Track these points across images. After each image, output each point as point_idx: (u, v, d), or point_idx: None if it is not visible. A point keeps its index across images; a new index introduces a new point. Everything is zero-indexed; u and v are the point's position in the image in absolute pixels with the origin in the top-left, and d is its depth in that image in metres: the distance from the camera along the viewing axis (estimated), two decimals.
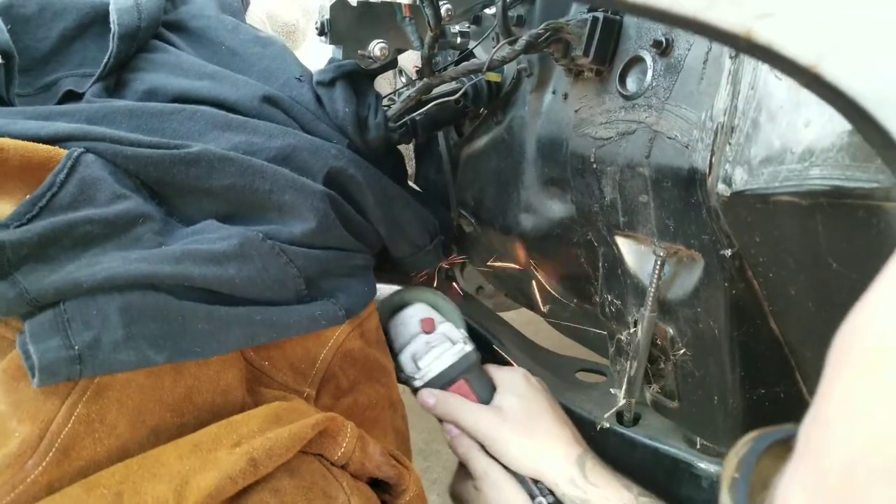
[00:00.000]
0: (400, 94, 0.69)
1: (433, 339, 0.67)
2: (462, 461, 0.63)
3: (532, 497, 0.59)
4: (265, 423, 0.45)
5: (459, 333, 0.68)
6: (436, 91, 0.67)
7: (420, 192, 0.86)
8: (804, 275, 0.42)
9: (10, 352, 0.43)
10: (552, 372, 0.77)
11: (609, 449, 0.66)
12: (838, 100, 0.18)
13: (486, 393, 0.66)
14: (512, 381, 0.65)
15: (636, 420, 0.66)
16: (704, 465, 0.60)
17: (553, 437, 0.60)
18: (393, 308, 0.70)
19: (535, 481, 0.59)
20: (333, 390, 0.57)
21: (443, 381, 0.66)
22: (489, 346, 0.77)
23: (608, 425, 0.66)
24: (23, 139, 0.49)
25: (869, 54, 0.17)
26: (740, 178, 0.42)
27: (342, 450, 0.48)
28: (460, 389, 0.65)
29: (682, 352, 0.56)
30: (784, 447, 0.26)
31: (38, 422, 0.41)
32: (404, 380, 0.68)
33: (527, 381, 0.65)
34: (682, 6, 0.17)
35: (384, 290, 0.78)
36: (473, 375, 0.66)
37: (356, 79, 0.65)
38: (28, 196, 0.47)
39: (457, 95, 0.67)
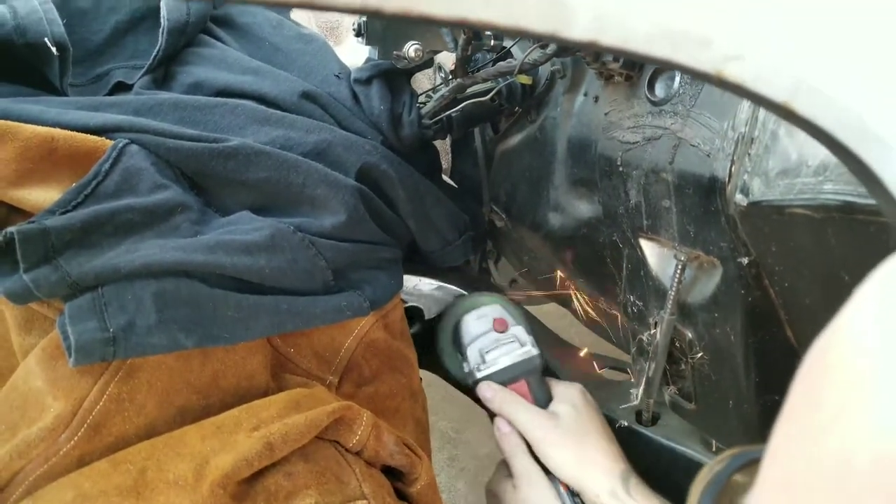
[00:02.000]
0: (435, 93, 0.70)
1: (503, 338, 0.69)
2: (506, 459, 0.64)
3: None
4: (285, 408, 0.47)
5: (528, 338, 0.70)
6: (472, 90, 0.69)
7: (453, 187, 0.88)
8: (818, 286, 0.43)
9: (51, 331, 0.46)
10: (578, 369, 0.79)
11: (628, 447, 0.68)
12: (816, 133, 0.19)
13: (543, 399, 0.68)
14: (569, 393, 0.67)
15: (655, 420, 0.67)
16: None
17: (601, 451, 0.61)
18: (467, 308, 0.73)
19: (572, 493, 0.60)
20: (356, 379, 0.59)
21: (504, 378, 0.68)
22: None
23: (626, 423, 0.67)
24: (72, 129, 0.52)
25: (840, 90, 0.18)
26: (758, 189, 0.43)
27: (357, 437, 0.50)
28: (520, 389, 0.67)
29: (699, 355, 0.57)
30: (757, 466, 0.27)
31: (71, 399, 0.44)
32: (466, 372, 0.70)
33: (583, 396, 0.67)
34: (655, 49, 0.18)
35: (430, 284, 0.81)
36: (534, 379, 0.68)
37: (392, 77, 0.67)
38: (74, 184, 0.49)
39: (490, 95, 0.68)
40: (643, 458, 0.66)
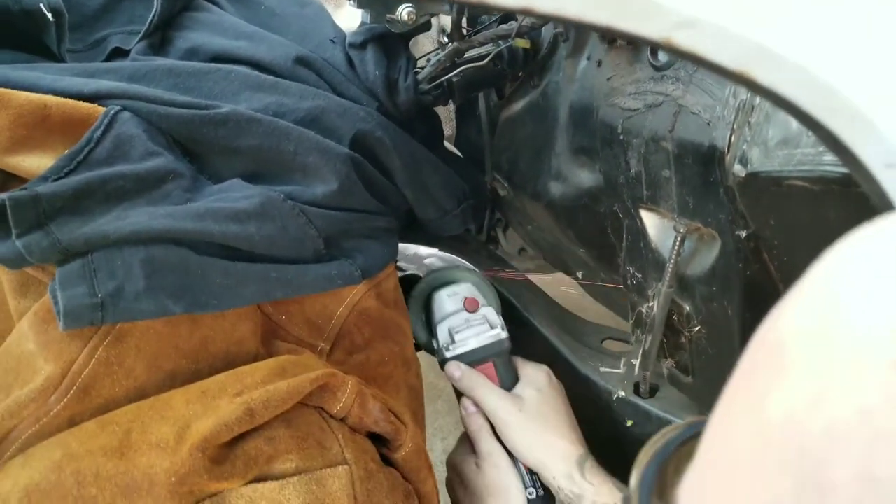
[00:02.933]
0: (431, 58, 0.69)
1: (473, 319, 0.69)
2: (470, 438, 0.65)
3: (525, 487, 0.62)
4: (270, 375, 0.48)
5: (498, 319, 0.70)
6: (470, 54, 0.67)
7: (455, 155, 0.86)
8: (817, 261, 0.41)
9: (45, 295, 0.46)
10: (578, 338, 0.78)
11: (625, 418, 0.67)
12: (779, 102, 0.17)
13: (509, 381, 0.68)
14: (535, 376, 0.68)
15: (653, 392, 0.66)
16: None
17: (561, 436, 0.62)
18: (441, 282, 0.73)
19: (532, 473, 0.62)
20: (348, 346, 0.59)
21: (472, 359, 0.68)
22: (514, 310, 0.78)
23: (623, 395, 0.66)
24: (66, 96, 0.52)
25: (802, 56, 0.16)
26: (756, 159, 0.41)
27: (341, 404, 0.50)
28: (487, 371, 0.68)
29: (696, 329, 0.55)
30: None
31: (61, 362, 0.45)
32: (435, 349, 0.71)
33: (548, 379, 0.68)
34: (592, 15, 0.17)
35: (429, 252, 0.80)
36: (502, 361, 0.68)
37: (387, 41, 0.65)
38: (67, 151, 0.49)
39: (488, 59, 0.66)
40: (641, 429, 0.66)
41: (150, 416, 0.44)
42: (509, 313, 0.77)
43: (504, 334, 0.69)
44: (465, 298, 0.70)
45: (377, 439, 0.54)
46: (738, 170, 0.43)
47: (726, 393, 0.19)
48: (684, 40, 0.17)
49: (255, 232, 0.51)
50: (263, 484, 0.45)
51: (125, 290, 0.45)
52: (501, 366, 0.68)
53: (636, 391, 0.66)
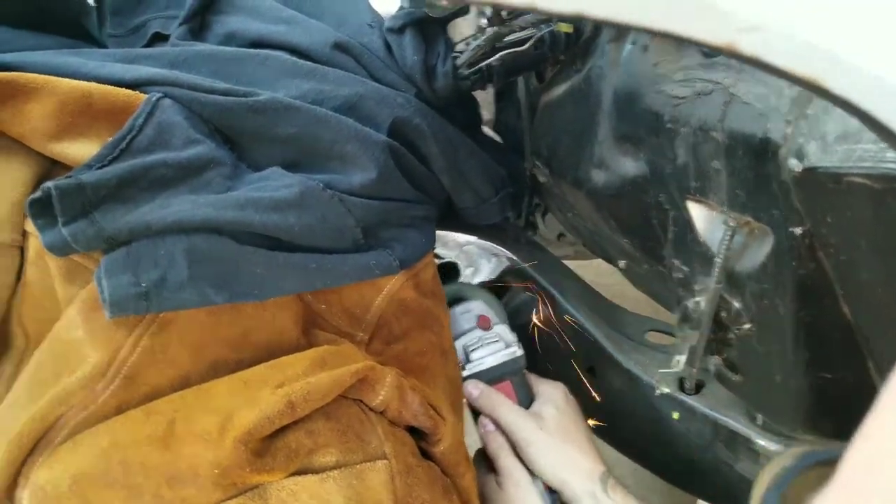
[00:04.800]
0: (470, 42, 0.67)
1: (487, 337, 0.69)
2: (491, 457, 0.65)
3: None
4: (311, 366, 0.48)
5: (513, 337, 0.70)
6: (510, 38, 0.64)
7: (494, 141, 0.84)
8: (877, 261, 0.39)
9: (90, 282, 0.47)
10: (620, 330, 0.76)
11: (669, 415, 0.65)
12: (853, 111, 0.16)
13: (526, 399, 0.68)
14: (552, 394, 0.67)
15: (699, 388, 0.64)
16: (764, 442, 0.58)
17: (583, 454, 0.62)
18: (451, 299, 0.72)
19: (551, 491, 0.62)
20: (386, 336, 0.59)
21: (489, 377, 0.68)
22: (554, 301, 0.76)
23: (668, 390, 0.64)
24: (108, 82, 0.52)
25: (877, 69, 0.15)
26: (814, 154, 0.39)
27: (380, 398, 0.50)
28: (504, 389, 0.68)
29: (746, 326, 0.53)
30: (826, 468, 0.25)
31: (108, 350, 0.45)
32: None
33: (565, 397, 0.67)
34: (648, 19, 0.15)
35: (466, 240, 0.79)
36: (518, 379, 0.68)
37: (426, 26, 0.63)
38: (111, 138, 0.50)
39: (529, 43, 0.64)
40: (685, 426, 0.64)
41: (194, 405, 0.45)
42: (549, 305, 0.75)
43: (520, 352, 0.69)
44: (479, 316, 0.70)
45: (416, 432, 0.54)
46: (794, 164, 0.40)
47: (877, 423, 0.17)
48: (748, 46, 0.15)
49: (294, 222, 0.51)
50: (304, 477, 0.45)
51: (168, 279, 0.45)
52: (518, 384, 0.68)
53: (681, 387, 0.64)
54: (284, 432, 0.46)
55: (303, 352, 0.50)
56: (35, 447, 0.44)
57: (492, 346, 0.69)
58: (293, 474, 0.45)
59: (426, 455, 0.54)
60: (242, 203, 0.49)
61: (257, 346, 0.50)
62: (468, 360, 0.68)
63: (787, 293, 0.47)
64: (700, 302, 0.56)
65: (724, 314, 0.55)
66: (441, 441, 0.53)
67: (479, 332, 0.70)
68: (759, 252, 0.49)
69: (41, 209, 0.46)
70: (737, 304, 0.53)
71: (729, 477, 0.62)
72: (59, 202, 0.45)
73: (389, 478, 0.47)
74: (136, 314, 0.45)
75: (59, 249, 0.46)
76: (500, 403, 0.66)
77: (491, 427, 0.66)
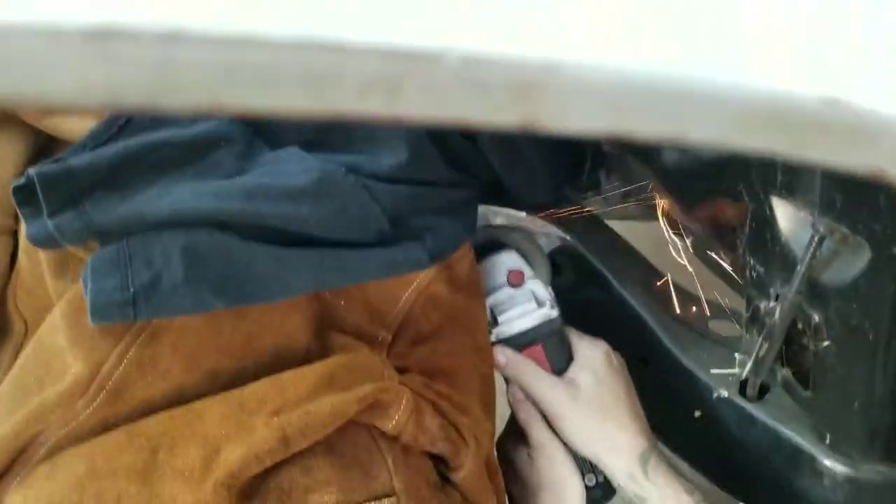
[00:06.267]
0: None
1: (519, 296, 0.61)
2: (522, 427, 0.60)
3: (583, 475, 0.57)
4: (316, 385, 0.43)
5: (547, 293, 0.62)
6: None
7: None
8: None
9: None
10: (681, 319, 0.70)
11: (725, 419, 0.61)
12: None
13: (561, 362, 0.61)
14: (593, 356, 0.60)
15: (762, 392, 0.59)
16: (830, 463, 0.53)
17: (622, 428, 0.56)
18: (482, 243, 0.64)
19: (592, 467, 0.57)
20: (412, 335, 0.54)
21: (519, 343, 0.61)
22: (605, 282, 0.71)
23: (726, 394, 0.60)
24: None
25: None
26: None
27: (393, 422, 0.44)
28: (535, 354, 0.61)
29: (825, 343, 0.48)
30: None
31: (90, 362, 0.41)
32: None
33: (608, 361, 0.60)
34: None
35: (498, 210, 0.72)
36: (552, 342, 0.61)
37: None
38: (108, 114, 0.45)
39: None
40: (742, 433, 0.60)
41: (180, 431, 0.41)
42: (598, 285, 0.70)
43: (554, 313, 0.62)
44: (510, 271, 0.62)
45: (434, 455, 0.49)
46: None
47: None
48: None
49: (309, 213, 0.45)
50: None
51: (162, 281, 0.41)
52: (552, 346, 0.61)
53: (742, 392, 0.59)
54: (277, 470, 0.41)
55: (310, 366, 0.45)
56: (13, 464, 0.40)
57: (522, 306, 0.61)
58: None
59: (446, 478, 0.49)
60: (251, 191, 0.44)
61: (261, 353, 0.46)
62: (496, 324, 0.62)
63: (883, 318, 0.41)
64: (775, 308, 0.51)
65: (800, 325, 0.50)
66: (462, 468, 0.48)
67: (508, 290, 0.62)
68: (850, 267, 0.43)
69: (28, 196, 0.41)
70: (818, 318, 0.48)
71: (787, 493, 0.57)
72: (44, 191, 0.41)
73: None
74: (123, 322, 0.41)
75: (43, 243, 0.42)
76: (529, 373, 0.60)
77: (520, 395, 0.60)
